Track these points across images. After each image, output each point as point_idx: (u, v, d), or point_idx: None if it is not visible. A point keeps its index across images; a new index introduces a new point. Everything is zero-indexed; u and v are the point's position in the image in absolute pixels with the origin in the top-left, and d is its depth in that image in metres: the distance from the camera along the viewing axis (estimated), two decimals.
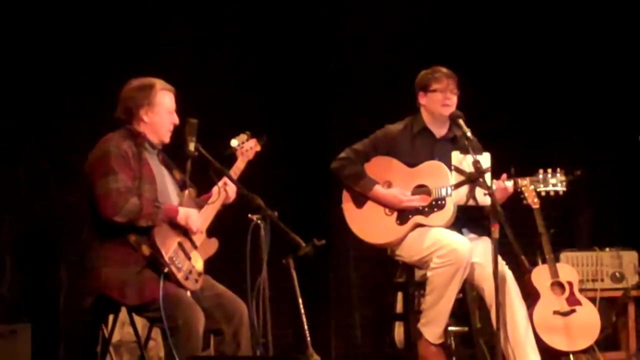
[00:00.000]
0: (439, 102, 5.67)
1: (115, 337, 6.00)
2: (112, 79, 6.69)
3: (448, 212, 5.57)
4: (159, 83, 5.03)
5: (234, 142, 5.24)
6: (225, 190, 5.12)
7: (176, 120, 5.05)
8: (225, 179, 5.08)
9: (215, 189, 5.09)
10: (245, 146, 5.26)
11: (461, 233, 5.61)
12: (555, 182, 5.75)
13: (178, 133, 5.06)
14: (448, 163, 5.54)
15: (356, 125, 6.79)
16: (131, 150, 4.88)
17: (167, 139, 5.05)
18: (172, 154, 5.14)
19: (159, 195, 4.91)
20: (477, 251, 5.50)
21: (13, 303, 6.52)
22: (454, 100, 5.68)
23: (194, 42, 7.13)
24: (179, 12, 7.08)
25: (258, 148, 5.31)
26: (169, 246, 4.80)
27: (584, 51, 7.68)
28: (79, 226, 6.49)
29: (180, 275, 4.79)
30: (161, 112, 5.00)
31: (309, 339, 5.33)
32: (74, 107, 6.68)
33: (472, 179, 5.37)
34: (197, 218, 4.94)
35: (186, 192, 5.00)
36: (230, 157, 5.23)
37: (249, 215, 4.98)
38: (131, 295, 4.76)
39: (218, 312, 4.93)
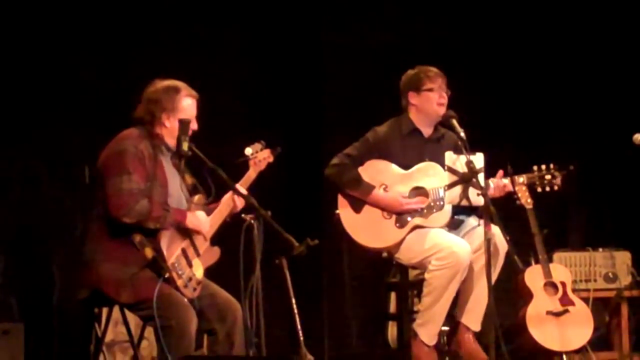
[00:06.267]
0: (435, 101, 5.63)
1: (109, 337, 6.00)
2: (110, 80, 6.70)
3: (447, 213, 5.57)
4: (184, 88, 4.98)
5: (248, 151, 5.17)
6: (234, 200, 5.08)
7: (195, 127, 4.98)
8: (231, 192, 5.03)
9: (224, 199, 5.06)
10: (258, 156, 5.20)
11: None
12: (549, 178, 5.77)
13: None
14: (439, 163, 5.52)
15: (348, 125, 6.77)
16: (147, 150, 4.85)
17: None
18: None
19: (170, 198, 4.89)
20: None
21: (6, 303, 6.50)
22: (446, 98, 5.66)
23: (189, 47, 7.13)
24: (174, 15, 7.09)
25: (271, 159, 5.24)
26: (173, 252, 4.80)
27: (578, 51, 7.67)
28: (71, 225, 6.50)
29: (180, 282, 4.79)
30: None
31: (302, 338, 5.33)
32: (69, 107, 6.67)
33: (466, 179, 5.31)
34: (207, 222, 4.95)
35: (196, 197, 4.99)
36: (242, 165, 5.17)
37: (242, 215, 4.99)
38: (126, 294, 4.75)
39: (211, 312, 4.93)
